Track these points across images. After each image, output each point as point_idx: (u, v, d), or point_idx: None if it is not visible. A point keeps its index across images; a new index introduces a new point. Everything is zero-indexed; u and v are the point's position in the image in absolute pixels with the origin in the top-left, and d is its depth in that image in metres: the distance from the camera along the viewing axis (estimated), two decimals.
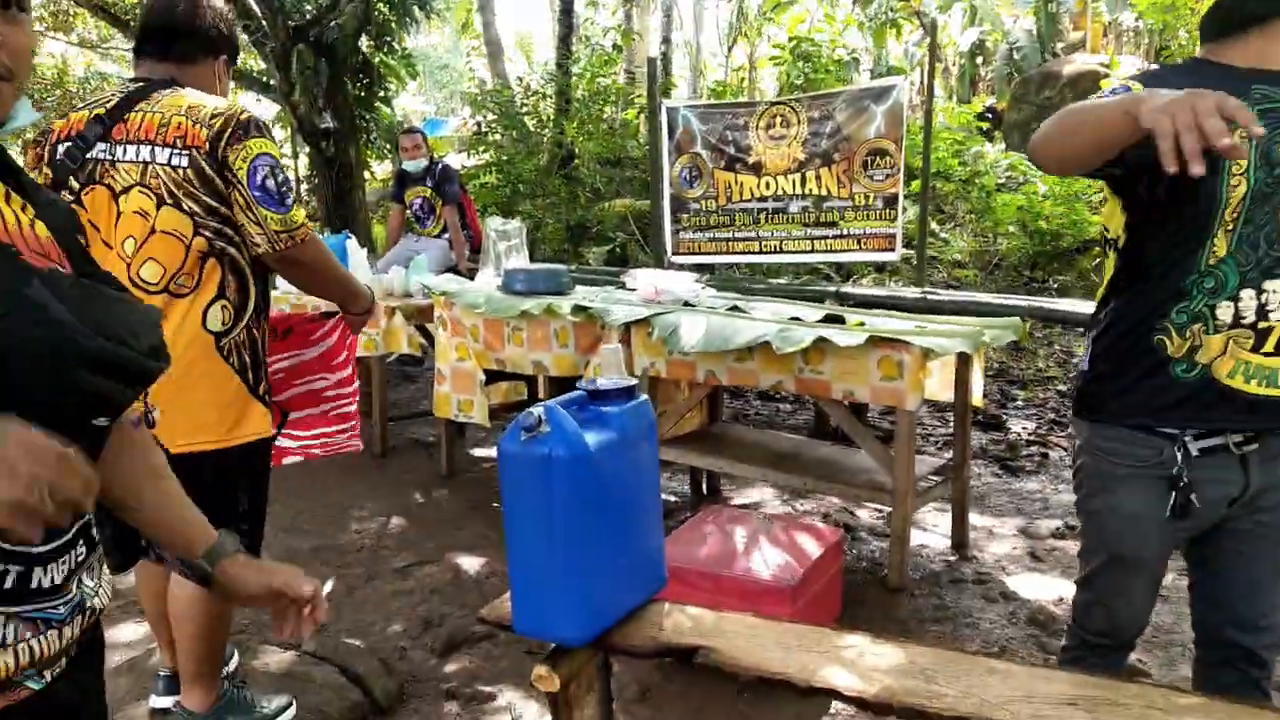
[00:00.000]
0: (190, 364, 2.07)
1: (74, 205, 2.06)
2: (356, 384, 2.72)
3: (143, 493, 1.24)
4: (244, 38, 9.97)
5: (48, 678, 1.03)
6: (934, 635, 3.04)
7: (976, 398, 3.82)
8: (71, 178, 2.07)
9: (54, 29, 14.50)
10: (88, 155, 2.07)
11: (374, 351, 4.89)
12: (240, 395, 2.16)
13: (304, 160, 9.82)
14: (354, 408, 2.70)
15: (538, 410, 1.92)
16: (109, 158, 2.05)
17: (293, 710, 2.64)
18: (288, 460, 2.68)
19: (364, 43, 9.19)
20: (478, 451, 5.18)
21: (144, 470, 1.26)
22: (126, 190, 2.03)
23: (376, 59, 9.65)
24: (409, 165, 6.31)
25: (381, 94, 10.17)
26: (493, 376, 4.41)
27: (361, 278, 4.92)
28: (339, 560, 3.78)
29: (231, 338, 2.12)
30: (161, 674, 2.59)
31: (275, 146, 2.15)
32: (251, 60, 10.31)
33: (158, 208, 2.03)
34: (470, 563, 3.71)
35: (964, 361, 3.57)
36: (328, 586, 3.54)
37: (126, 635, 3.14)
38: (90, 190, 2.06)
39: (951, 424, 4.34)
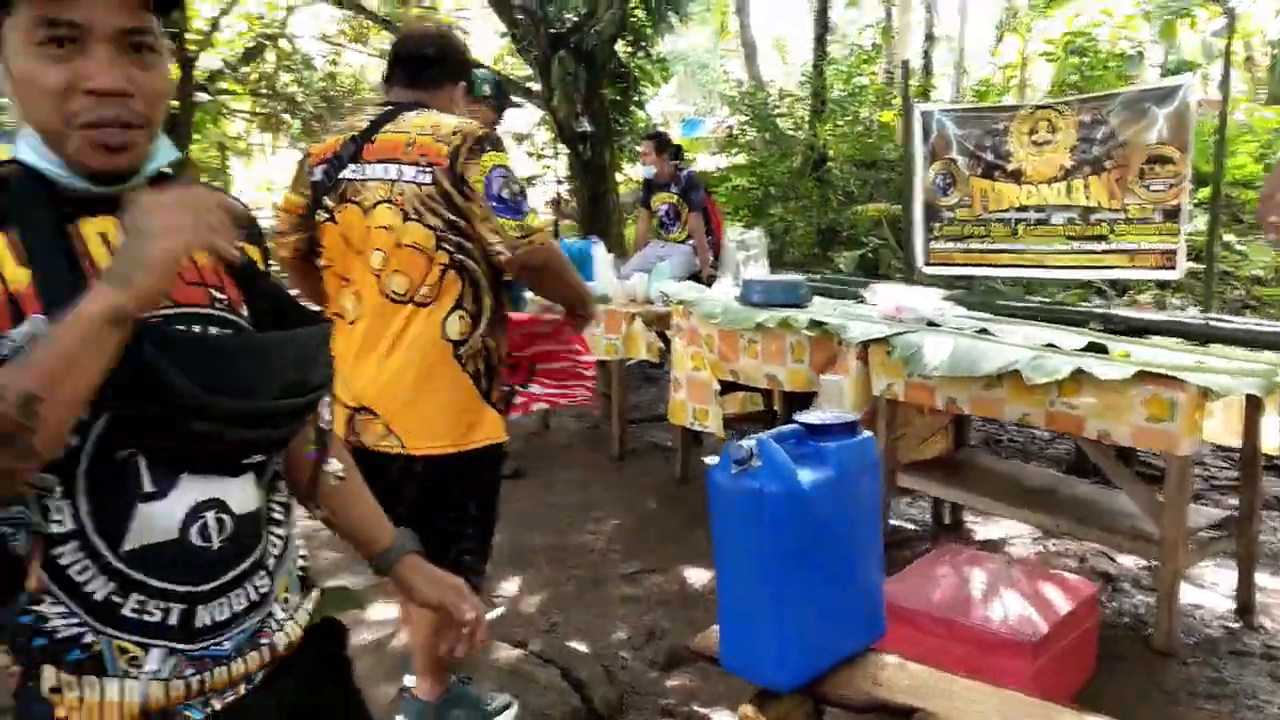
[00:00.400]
0: (430, 370, 2.17)
1: (329, 222, 2.21)
2: (581, 348, 2.77)
3: (329, 496, 1.27)
4: (509, 45, 10.53)
5: (216, 706, 1.06)
6: (1208, 714, 2.68)
7: (1271, 444, 3.34)
8: (326, 197, 2.21)
9: (353, 41, 15.99)
10: (340, 175, 2.20)
11: (614, 356, 4.99)
12: (475, 402, 2.23)
13: (563, 163, 10.23)
14: (586, 369, 2.78)
15: (749, 443, 1.84)
16: (359, 177, 2.18)
17: (514, 710, 2.72)
18: (536, 407, 2.95)
19: (620, 47, 9.43)
20: (714, 460, 5.15)
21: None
22: (374, 206, 2.15)
23: (632, 64, 9.87)
24: (644, 171, 6.47)
25: (636, 98, 10.41)
26: (729, 386, 4.37)
27: (605, 283, 5.08)
28: (570, 561, 3.87)
29: (468, 346, 2.20)
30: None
31: (508, 158, 2.22)
32: (518, 69, 10.86)
33: (403, 222, 2.12)
34: (698, 576, 3.68)
35: (1254, 402, 3.13)
36: (545, 592, 3.63)
37: (378, 615, 3.36)
38: (343, 208, 2.19)
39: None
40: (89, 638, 1.00)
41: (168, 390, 0.93)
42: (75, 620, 1.00)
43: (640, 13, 9.49)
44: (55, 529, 0.98)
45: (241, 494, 1.09)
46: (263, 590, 1.12)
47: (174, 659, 1.04)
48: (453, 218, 2.12)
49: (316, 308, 1.15)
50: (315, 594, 1.23)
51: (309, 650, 1.18)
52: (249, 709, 1.09)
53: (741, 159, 11.92)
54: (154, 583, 1.02)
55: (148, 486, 1.00)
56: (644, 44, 9.94)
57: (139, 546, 1.01)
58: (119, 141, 0.98)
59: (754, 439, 1.85)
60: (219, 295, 1.07)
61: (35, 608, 0.99)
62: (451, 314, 2.17)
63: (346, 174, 2.19)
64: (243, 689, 1.09)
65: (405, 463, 2.19)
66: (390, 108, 2.25)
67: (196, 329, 1.04)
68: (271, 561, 1.14)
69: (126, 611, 1.01)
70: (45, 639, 0.99)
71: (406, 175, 2.12)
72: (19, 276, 0.95)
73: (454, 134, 2.12)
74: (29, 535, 0.97)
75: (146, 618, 1.02)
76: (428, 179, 2.11)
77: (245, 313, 1.10)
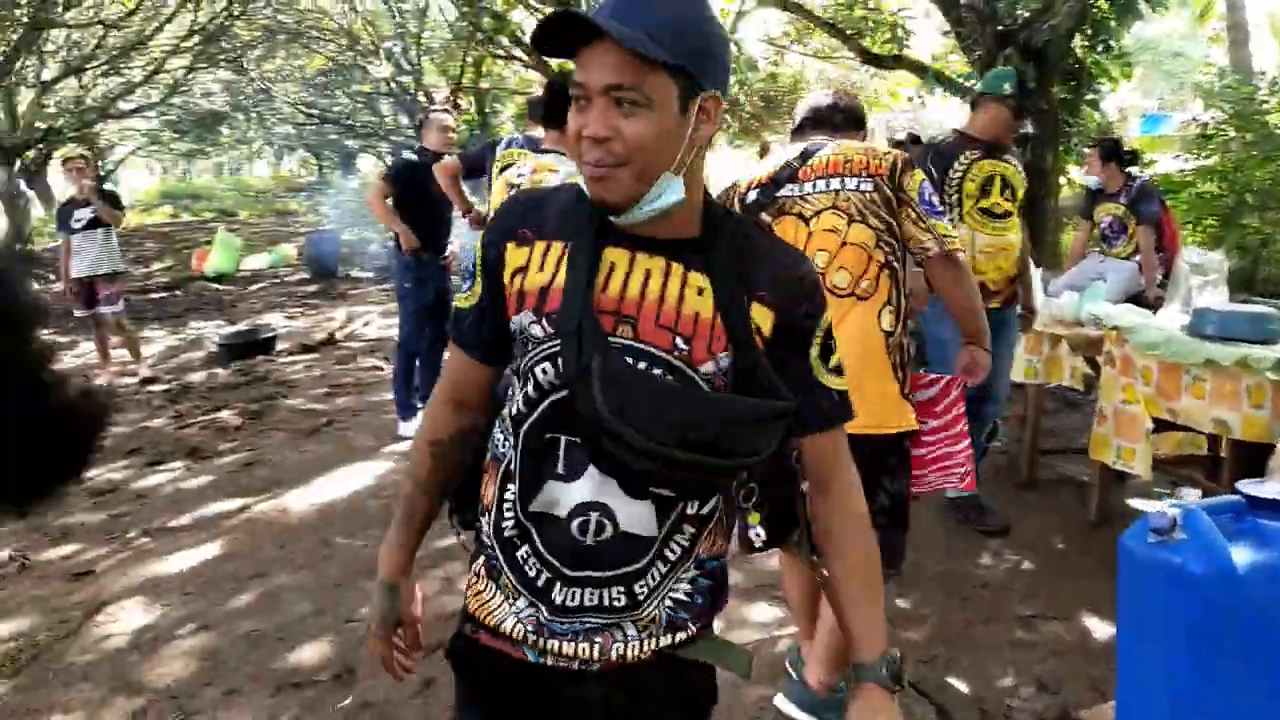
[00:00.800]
0: (866, 356, 2.46)
1: None
2: (961, 429, 2.74)
3: (825, 588, 1.36)
4: (951, 43, 10.12)
5: (548, 662, 1.26)
6: None
7: None
8: (762, 213, 2.56)
9: (794, 41, 16.41)
10: (777, 195, 2.56)
11: (1033, 379, 4.65)
12: (896, 390, 2.50)
13: None
14: (959, 448, 2.74)
15: (1173, 511, 1.63)
16: (798, 194, 2.54)
17: None
18: None
19: (1077, 42, 8.68)
20: (1137, 503, 4.61)
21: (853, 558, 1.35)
22: (818, 214, 2.50)
23: (1089, 59, 9.05)
24: (1091, 181, 5.92)
25: (1090, 96, 9.53)
26: (1164, 424, 3.89)
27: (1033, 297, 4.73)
28: (961, 591, 3.68)
29: (894, 339, 2.50)
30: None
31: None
32: (960, 68, 10.42)
33: (848, 224, 2.48)
34: (1103, 630, 3.33)
35: None
36: (931, 620, 3.47)
37: (759, 616, 3.44)
38: (781, 220, 2.54)
39: None
40: (495, 559, 1.30)
41: (589, 402, 1.14)
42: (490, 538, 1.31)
43: (1104, 4, 8.66)
44: (511, 467, 1.28)
45: (633, 514, 1.21)
46: (616, 604, 1.23)
47: (531, 610, 1.25)
48: (890, 221, 2.48)
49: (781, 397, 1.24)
50: (685, 635, 1.29)
51: (662, 675, 1.27)
52: (573, 682, 1.26)
53: (1213, 161, 10.46)
54: (539, 545, 1.24)
55: (559, 468, 1.23)
56: (1105, 37, 9.05)
57: (539, 511, 1.24)
58: (599, 175, 1.18)
59: (1180, 506, 1.63)
60: (681, 345, 1.21)
61: (482, 518, 1.33)
62: (884, 308, 2.48)
63: (783, 192, 2.55)
64: (576, 666, 1.25)
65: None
66: (811, 143, 2.61)
67: (643, 365, 1.20)
68: (641, 589, 1.24)
69: (518, 555, 1.26)
70: (478, 538, 1.35)
71: (849, 185, 2.49)
72: (539, 280, 1.24)
73: (887, 154, 2.53)
74: (489, 457, 1.34)
75: (526, 569, 1.25)
76: (870, 187, 2.47)
77: (708, 368, 1.22)
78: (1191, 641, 1.59)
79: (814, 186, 2.51)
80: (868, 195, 2.47)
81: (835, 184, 2.50)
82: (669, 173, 1.18)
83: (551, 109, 3.50)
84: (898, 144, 6.66)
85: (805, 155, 2.57)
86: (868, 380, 2.42)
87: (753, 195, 2.59)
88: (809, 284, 1.28)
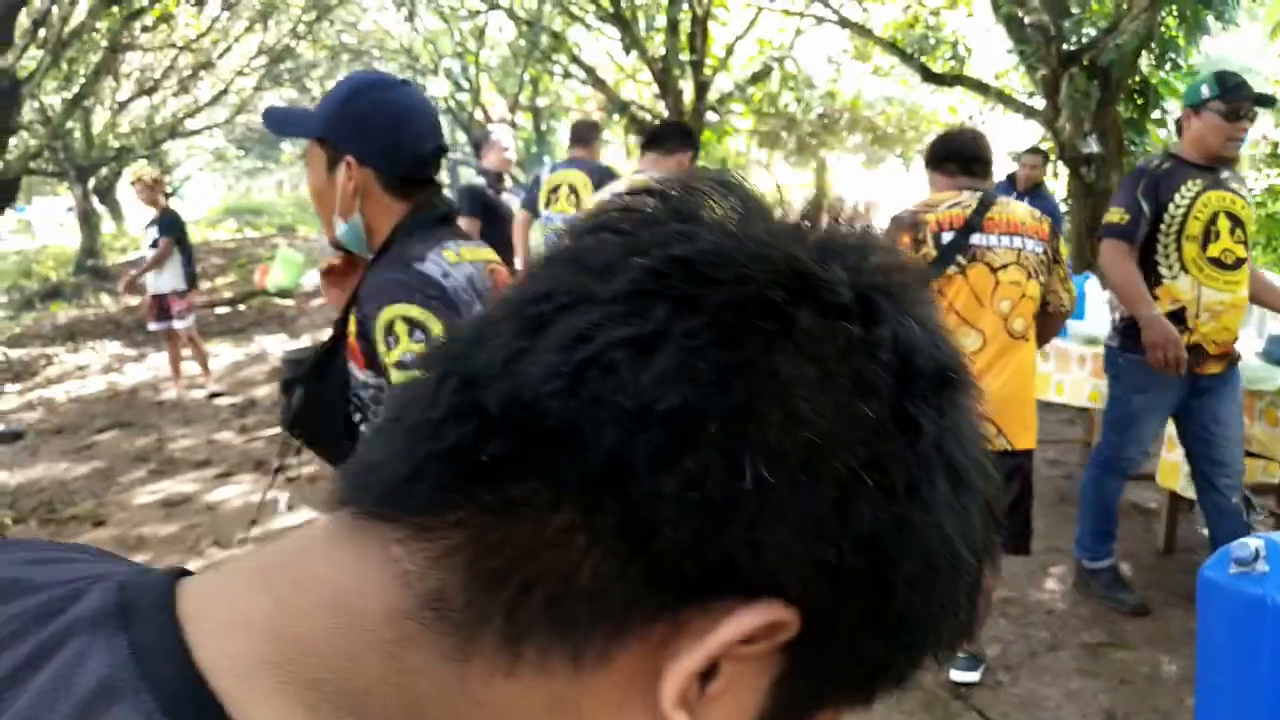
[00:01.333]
0: (1028, 387, 3.00)
1: (959, 275, 2.87)
2: None
3: None
4: (1014, 63, 10.02)
5: None
6: None
7: None
8: (959, 255, 2.86)
9: (855, 57, 16.40)
10: (970, 242, 2.86)
11: (1098, 403, 4.57)
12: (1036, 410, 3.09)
13: (1063, 184, 9.53)
14: None
15: (1256, 541, 1.60)
16: (986, 244, 2.87)
17: None
18: None
19: (1144, 60, 8.55)
20: (1207, 531, 4.51)
21: None
22: (1004, 267, 2.86)
23: (1155, 78, 8.91)
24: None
25: (1156, 115, 9.38)
26: None
27: (1096, 323, 4.67)
28: (1026, 618, 3.63)
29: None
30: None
31: None
32: (1023, 84, 10.31)
33: (1027, 279, 2.89)
34: (1172, 661, 3.28)
35: None
36: (994, 647, 3.43)
37: None
38: (974, 266, 2.86)
39: None
40: None
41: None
42: None
43: (1172, 22, 8.51)
44: None
45: None
46: None
47: None
48: (1048, 279, 2.94)
49: None
50: None
51: None
52: None
53: None
54: None
55: None
56: (1173, 54, 8.90)
57: None
58: None
59: (1263, 537, 1.61)
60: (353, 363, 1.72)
61: None
62: (1035, 350, 3.05)
63: (975, 240, 2.86)
64: None
65: (1011, 457, 2.91)
66: (981, 193, 2.93)
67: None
68: None
69: None
70: None
71: (1029, 246, 2.89)
72: None
73: (1041, 220, 2.97)
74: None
75: None
76: (1040, 249, 2.91)
77: (362, 377, 1.74)
78: (1275, 674, 1.56)
79: (999, 240, 2.86)
80: (1039, 256, 2.90)
81: (1018, 243, 2.87)
82: (336, 215, 1.58)
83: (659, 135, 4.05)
84: (1023, 154, 7.26)
85: (984, 205, 2.88)
86: (1027, 407, 2.98)
87: (948, 236, 2.87)
88: (371, 291, 1.58)
